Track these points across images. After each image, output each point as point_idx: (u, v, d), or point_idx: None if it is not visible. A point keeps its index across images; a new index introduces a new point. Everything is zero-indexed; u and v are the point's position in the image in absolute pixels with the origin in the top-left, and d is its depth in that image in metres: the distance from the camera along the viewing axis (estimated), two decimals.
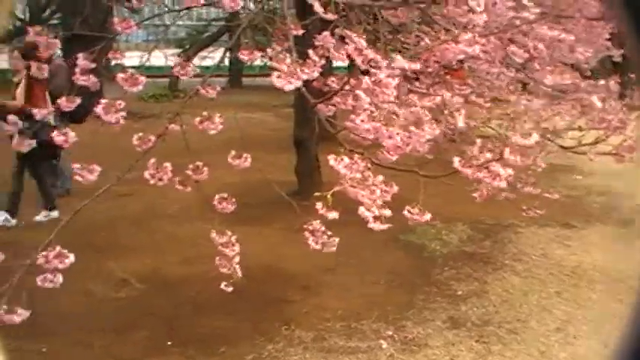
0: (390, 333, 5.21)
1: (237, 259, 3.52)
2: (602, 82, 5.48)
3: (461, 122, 3.47)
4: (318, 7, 3.27)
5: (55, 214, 7.78)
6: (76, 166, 3.55)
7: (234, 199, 3.84)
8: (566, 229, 7.67)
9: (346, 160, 2.85)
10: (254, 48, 3.30)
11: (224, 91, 3.56)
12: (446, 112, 3.69)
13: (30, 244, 3.57)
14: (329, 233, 3.31)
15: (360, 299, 5.77)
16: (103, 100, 3.50)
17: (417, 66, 2.95)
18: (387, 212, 2.99)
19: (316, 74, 2.92)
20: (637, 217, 8.30)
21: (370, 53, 2.86)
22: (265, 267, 6.16)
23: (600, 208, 8.75)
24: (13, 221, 7.64)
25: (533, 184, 5.57)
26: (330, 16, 3.52)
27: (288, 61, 2.80)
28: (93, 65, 3.68)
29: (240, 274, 3.53)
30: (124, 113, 3.44)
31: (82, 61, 3.62)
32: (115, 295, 5.89)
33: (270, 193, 6.66)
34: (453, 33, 3.26)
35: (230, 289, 3.64)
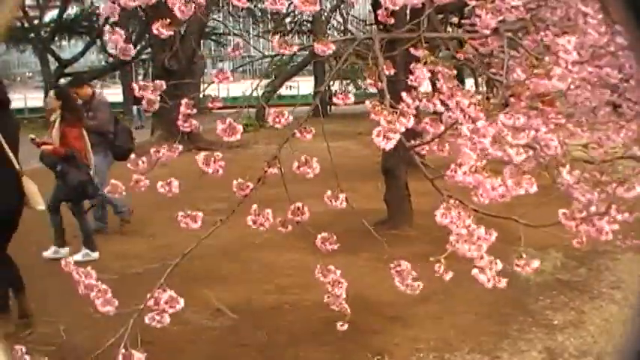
0: None
1: (343, 294, 3.53)
2: None
3: (566, 176, 3.38)
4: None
5: (95, 255, 7.91)
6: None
7: (326, 232, 3.85)
8: None
9: (454, 214, 2.83)
10: (346, 90, 3.31)
11: (309, 120, 3.60)
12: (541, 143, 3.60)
13: None
14: (414, 274, 3.29)
15: (452, 330, 5.70)
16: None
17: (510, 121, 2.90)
18: (499, 266, 2.98)
19: (412, 121, 2.92)
20: None
21: (464, 100, 2.86)
22: (355, 297, 6.12)
23: None
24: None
25: (630, 211, 5.38)
26: (420, 53, 3.54)
27: (386, 113, 2.80)
28: (194, 111, 3.78)
29: (349, 311, 3.54)
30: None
31: (183, 107, 3.72)
32: (210, 324, 6.00)
33: (359, 222, 6.71)
34: (546, 64, 3.20)
35: (345, 327, 3.64)
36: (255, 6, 27.81)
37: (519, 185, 2.93)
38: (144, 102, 3.80)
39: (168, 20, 3.54)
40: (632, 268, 7.01)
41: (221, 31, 35.30)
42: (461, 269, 2.98)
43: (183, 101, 3.74)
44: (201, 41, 26.60)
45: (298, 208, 3.57)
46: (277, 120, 3.48)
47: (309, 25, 28.99)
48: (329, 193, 3.59)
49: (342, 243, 7.10)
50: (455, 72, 3.59)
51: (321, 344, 5.38)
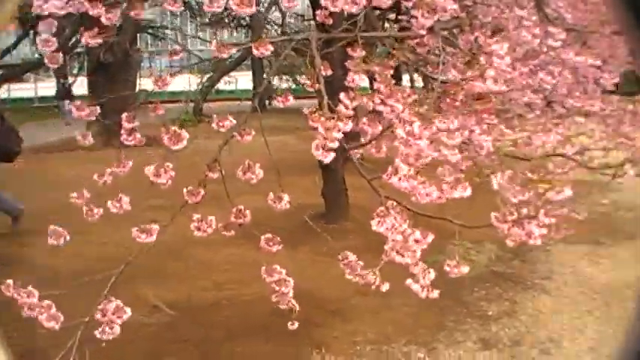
0: (422, 355, 5.23)
1: (291, 293, 3.56)
2: (630, 105, 5.49)
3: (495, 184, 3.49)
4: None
5: None
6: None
7: (265, 227, 3.88)
8: (595, 246, 7.64)
9: (388, 222, 2.89)
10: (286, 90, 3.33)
11: (247, 114, 3.63)
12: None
13: None
14: (360, 264, 3.36)
15: (390, 323, 5.79)
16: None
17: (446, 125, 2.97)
18: (432, 275, 3.07)
19: (350, 125, 2.97)
20: None
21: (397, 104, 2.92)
22: (295, 291, 6.20)
23: (629, 224, 8.69)
24: None
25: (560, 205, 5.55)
26: (357, 54, 3.59)
27: (323, 119, 2.84)
28: (136, 124, 3.74)
29: (298, 308, 3.58)
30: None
31: (125, 123, 3.68)
32: (147, 321, 5.95)
33: (298, 217, 6.76)
34: (481, 65, 3.29)
35: (295, 325, 3.70)
36: None
37: (454, 189, 3.01)
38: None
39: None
40: (563, 259, 7.24)
41: (158, 24, 34.71)
42: (400, 264, 3.05)
43: (124, 115, 3.69)
44: (138, 35, 26.13)
45: (240, 211, 3.58)
46: (221, 124, 3.49)
47: (247, 19, 28.82)
48: (271, 195, 3.61)
49: (281, 237, 7.15)
50: (391, 72, 3.66)
51: (259, 339, 5.41)
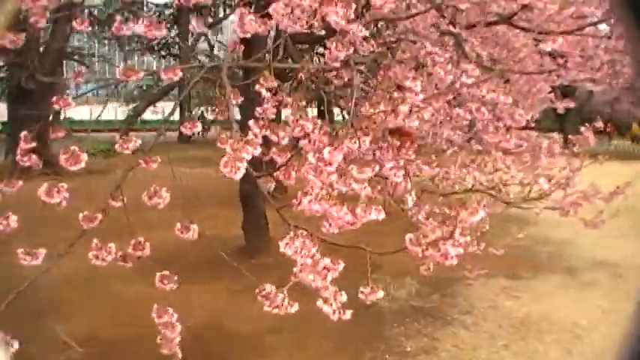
0: None
1: (177, 339, 3.40)
2: (545, 142, 5.57)
3: (410, 202, 3.44)
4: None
5: None
6: None
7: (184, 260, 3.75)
8: (514, 280, 7.73)
9: (297, 243, 2.81)
10: (199, 118, 3.22)
11: (172, 145, 3.50)
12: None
13: None
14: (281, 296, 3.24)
15: (308, 358, 5.67)
16: None
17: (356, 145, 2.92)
18: (344, 298, 2.97)
19: (259, 150, 2.88)
20: (582, 265, 8.42)
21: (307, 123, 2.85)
22: (211, 327, 6.03)
23: (547, 258, 8.85)
24: None
25: (478, 241, 5.58)
26: (270, 84, 3.52)
27: (232, 141, 2.75)
28: (33, 144, 3.54)
29: (180, 356, 3.41)
30: None
31: (23, 143, 3.48)
32: (57, 358, 5.69)
33: (218, 250, 6.59)
34: (394, 100, 3.25)
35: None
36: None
37: (368, 212, 2.94)
38: None
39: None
40: (482, 293, 7.27)
41: (85, 51, 34.12)
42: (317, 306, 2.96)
43: (23, 134, 3.50)
44: (64, 61, 25.59)
45: (139, 242, 3.42)
46: (125, 146, 3.36)
47: (176, 48, 28.64)
48: (178, 225, 3.47)
49: (199, 271, 6.98)
50: (303, 103, 3.60)
51: None
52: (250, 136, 3.04)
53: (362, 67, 4.23)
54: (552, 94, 8.15)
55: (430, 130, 4.89)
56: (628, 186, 5.56)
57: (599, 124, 5.82)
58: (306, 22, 3.35)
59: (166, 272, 3.55)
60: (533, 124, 8.50)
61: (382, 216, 2.97)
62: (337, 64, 3.54)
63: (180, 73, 3.31)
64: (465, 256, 5.73)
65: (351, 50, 3.79)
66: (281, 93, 3.63)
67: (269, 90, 3.54)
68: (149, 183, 3.41)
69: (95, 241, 3.33)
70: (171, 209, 3.57)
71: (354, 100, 3.62)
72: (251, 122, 3.07)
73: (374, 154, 4.47)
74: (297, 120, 3.28)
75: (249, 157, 2.76)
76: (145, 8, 29.03)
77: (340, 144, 2.77)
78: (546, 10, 5.49)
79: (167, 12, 28.57)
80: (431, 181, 5.41)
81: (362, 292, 3.05)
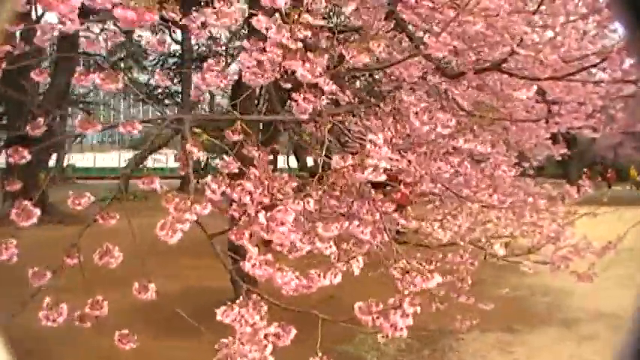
0: None
1: None
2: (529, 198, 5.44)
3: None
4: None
5: None
6: None
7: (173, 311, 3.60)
8: (508, 333, 7.48)
9: (236, 309, 2.66)
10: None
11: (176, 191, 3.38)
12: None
13: None
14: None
15: None
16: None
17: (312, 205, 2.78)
18: None
19: (208, 209, 2.76)
20: (581, 316, 8.18)
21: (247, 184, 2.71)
22: None
23: (544, 309, 8.60)
24: None
25: (468, 292, 5.40)
26: (235, 137, 3.41)
27: (177, 200, 2.62)
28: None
29: None
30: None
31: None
32: None
33: (205, 301, 6.40)
34: (361, 153, 3.12)
35: None
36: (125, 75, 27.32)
37: (324, 276, 2.80)
38: None
39: None
40: (474, 348, 7.03)
41: (89, 99, 34.34)
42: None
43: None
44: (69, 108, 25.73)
45: (97, 302, 3.27)
46: (76, 202, 3.24)
47: (180, 96, 28.77)
48: (136, 285, 3.31)
49: (186, 324, 6.76)
50: (270, 157, 3.48)
51: None
52: (207, 192, 2.92)
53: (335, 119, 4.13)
54: (550, 140, 8.09)
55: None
56: (620, 241, 5.38)
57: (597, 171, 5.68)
58: (271, 75, 3.26)
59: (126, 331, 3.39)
60: (531, 172, 8.44)
61: (338, 280, 2.82)
62: (305, 116, 3.41)
63: (139, 127, 3.19)
64: (455, 308, 5.60)
65: (324, 102, 3.69)
66: (247, 146, 3.51)
67: (234, 143, 3.43)
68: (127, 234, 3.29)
69: (47, 300, 3.17)
70: (167, 258, 3.43)
71: (323, 153, 3.51)
72: (208, 178, 2.93)
73: (349, 208, 4.35)
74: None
75: (193, 218, 2.62)
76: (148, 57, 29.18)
77: (285, 205, 2.62)
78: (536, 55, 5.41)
79: (170, 61, 28.69)
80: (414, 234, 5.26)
81: None
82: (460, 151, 4.53)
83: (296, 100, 3.38)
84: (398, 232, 5.30)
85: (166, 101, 31.36)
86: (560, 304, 8.73)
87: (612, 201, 10.40)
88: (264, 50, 3.05)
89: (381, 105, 4.91)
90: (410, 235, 5.34)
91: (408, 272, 3.58)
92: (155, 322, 3.71)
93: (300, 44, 2.99)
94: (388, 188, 4.79)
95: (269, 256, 2.66)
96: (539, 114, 6.90)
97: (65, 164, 30.23)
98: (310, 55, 3.23)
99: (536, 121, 6.74)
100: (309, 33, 3.02)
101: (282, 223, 2.66)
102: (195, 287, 5.20)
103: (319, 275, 2.80)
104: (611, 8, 4.85)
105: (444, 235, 5.09)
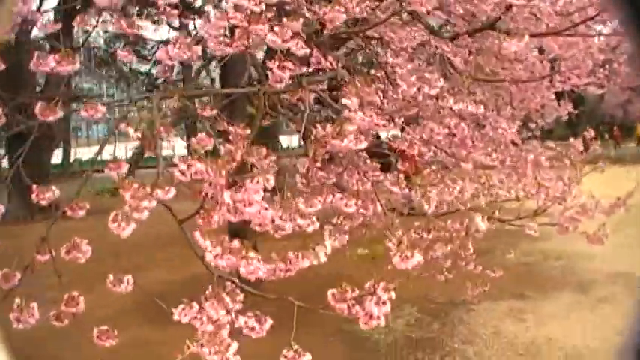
0: None
1: None
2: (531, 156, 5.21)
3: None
4: None
5: None
6: None
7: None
8: (520, 300, 7.26)
9: (196, 306, 2.46)
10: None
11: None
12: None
13: None
14: None
15: None
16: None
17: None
18: None
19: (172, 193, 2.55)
20: (596, 278, 7.95)
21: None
22: None
23: (557, 274, 8.36)
24: None
25: (476, 260, 5.21)
26: (207, 113, 3.20)
27: (136, 186, 2.41)
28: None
29: None
30: None
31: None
32: None
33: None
34: (340, 122, 2.91)
35: None
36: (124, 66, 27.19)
37: (303, 258, 2.59)
38: None
39: None
40: (485, 319, 6.82)
41: (92, 92, 34.17)
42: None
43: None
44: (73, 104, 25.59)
45: (72, 298, 3.07)
46: (41, 197, 3.04)
47: (179, 85, 28.48)
48: (111, 277, 3.11)
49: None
50: (248, 132, 3.27)
51: None
52: (177, 173, 2.69)
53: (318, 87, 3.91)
54: (556, 101, 7.83)
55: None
56: (630, 196, 5.13)
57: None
58: (240, 44, 3.03)
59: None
60: (538, 134, 8.20)
61: (323, 258, 2.60)
62: (281, 85, 3.18)
63: (103, 109, 2.98)
64: (464, 277, 5.39)
65: (304, 69, 3.46)
66: (220, 120, 3.30)
67: (206, 118, 3.22)
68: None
69: (17, 301, 2.98)
70: (161, 247, 3.23)
71: (304, 124, 3.30)
72: (176, 158, 2.70)
73: (339, 179, 4.14)
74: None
75: (152, 205, 2.41)
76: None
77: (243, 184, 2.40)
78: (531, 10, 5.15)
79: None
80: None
81: (285, 356, 2.58)
82: (457, 113, 4.31)
83: (270, 69, 3.15)
84: (412, 207, 5.10)
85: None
86: (574, 267, 8.50)
87: (619, 159, 10.14)
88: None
89: (372, 71, 4.69)
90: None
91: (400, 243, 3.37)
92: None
93: (263, 6, 2.75)
94: (390, 158, 4.59)
95: (235, 243, 2.43)
96: (541, 73, 6.66)
97: (72, 159, 30.04)
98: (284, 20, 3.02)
99: (536, 80, 6.47)
100: None
101: (250, 203, 2.44)
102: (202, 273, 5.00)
103: (297, 256, 2.59)
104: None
105: (441, 202, 4.85)
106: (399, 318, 6.73)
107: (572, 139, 5.85)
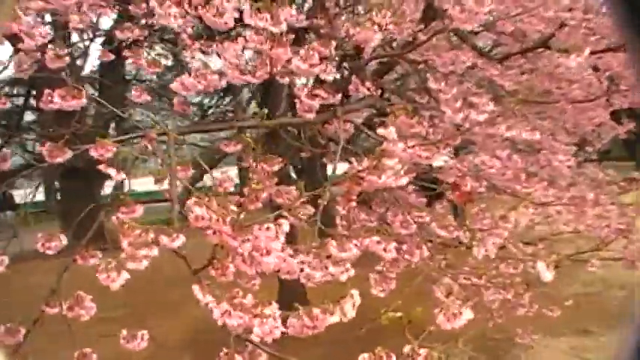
0: None
1: None
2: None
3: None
4: None
5: None
6: None
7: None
8: (583, 337, 6.75)
9: None
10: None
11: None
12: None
13: None
14: None
15: None
16: None
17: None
18: None
19: (180, 240, 2.26)
20: None
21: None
22: None
23: (621, 306, 7.81)
24: None
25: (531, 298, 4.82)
26: (231, 149, 2.92)
27: (137, 232, 2.14)
28: None
29: None
30: None
31: None
32: None
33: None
34: (376, 155, 2.58)
35: None
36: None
37: (328, 314, 2.25)
38: None
39: None
40: (545, 357, 6.36)
41: (143, 124, 34.44)
42: None
43: None
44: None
45: (84, 355, 2.79)
46: (46, 246, 2.79)
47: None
48: (124, 332, 2.82)
49: None
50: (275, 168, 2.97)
51: None
52: (191, 216, 2.39)
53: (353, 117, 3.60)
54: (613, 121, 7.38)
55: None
56: None
57: None
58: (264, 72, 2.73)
59: None
60: (594, 157, 7.73)
61: (352, 314, 2.27)
62: (311, 115, 2.87)
63: (114, 148, 2.73)
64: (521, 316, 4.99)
65: (338, 97, 3.15)
66: (246, 157, 3.01)
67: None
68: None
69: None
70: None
71: (337, 158, 2.98)
72: (191, 200, 2.39)
73: (381, 221, 3.79)
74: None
75: (154, 253, 2.12)
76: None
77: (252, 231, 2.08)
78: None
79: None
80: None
81: None
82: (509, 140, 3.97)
83: (298, 97, 2.85)
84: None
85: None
86: None
87: None
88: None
89: (417, 98, 4.37)
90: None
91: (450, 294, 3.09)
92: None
93: (283, 27, 2.43)
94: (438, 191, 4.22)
95: (248, 299, 2.12)
96: (596, 93, 6.27)
97: (126, 190, 30.18)
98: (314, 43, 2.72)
99: (593, 101, 6.06)
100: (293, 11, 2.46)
101: (268, 252, 2.11)
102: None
103: (324, 313, 2.25)
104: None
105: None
106: (453, 357, 6.30)
107: (634, 166, 5.45)
